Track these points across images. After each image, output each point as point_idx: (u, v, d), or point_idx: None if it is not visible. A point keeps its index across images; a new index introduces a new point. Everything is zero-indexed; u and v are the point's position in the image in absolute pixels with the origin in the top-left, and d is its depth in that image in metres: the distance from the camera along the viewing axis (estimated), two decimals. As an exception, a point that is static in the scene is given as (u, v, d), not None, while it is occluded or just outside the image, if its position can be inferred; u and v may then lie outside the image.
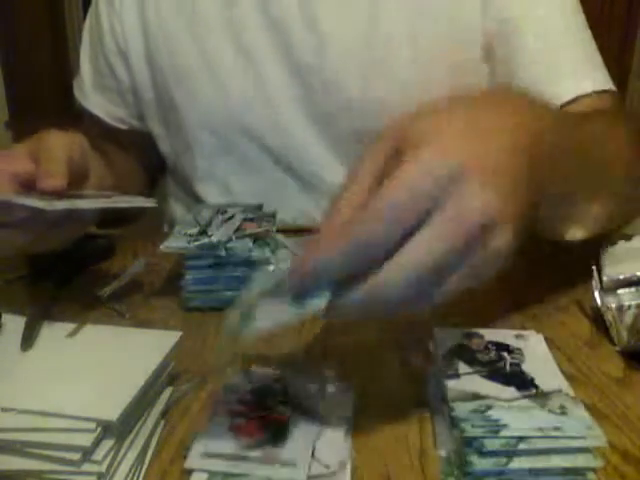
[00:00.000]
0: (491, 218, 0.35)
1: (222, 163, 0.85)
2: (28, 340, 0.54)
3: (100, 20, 0.86)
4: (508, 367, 0.45)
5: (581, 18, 0.77)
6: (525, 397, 0.41)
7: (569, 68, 0.74)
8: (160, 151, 0.90)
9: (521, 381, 0.43)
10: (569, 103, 0.72)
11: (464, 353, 0.47)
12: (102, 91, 0.89)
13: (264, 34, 0.79)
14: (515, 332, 0.50)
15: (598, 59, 0.77)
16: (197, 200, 0.88)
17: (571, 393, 0.42)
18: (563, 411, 0.40)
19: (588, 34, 0.77)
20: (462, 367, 0.45)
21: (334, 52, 0.77)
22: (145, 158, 0.94)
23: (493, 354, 0.46)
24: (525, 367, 0.45)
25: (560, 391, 0.42)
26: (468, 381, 0.43)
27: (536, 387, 0.42)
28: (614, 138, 0.57)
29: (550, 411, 0.40)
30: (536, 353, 0.47)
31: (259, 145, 0.83)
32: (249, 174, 0.85)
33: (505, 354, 0.46)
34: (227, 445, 0.41)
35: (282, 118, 0.81)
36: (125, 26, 0.84)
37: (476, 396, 0.41)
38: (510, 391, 0.42)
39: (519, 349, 0.47)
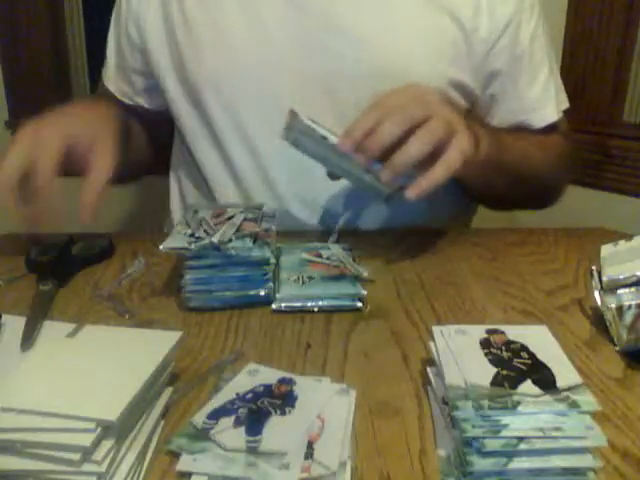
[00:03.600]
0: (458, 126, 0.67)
1: (232, 142, 0.86)
2: (28, 340, 0.54)
3: (121, 6, 0.91)
4: (528, 363, 0.44)
5: (551, 42, 0.90)
6: (548, 394, 0.41)
7: (554, 94, 0.88)
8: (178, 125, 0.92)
9: (542, 377, 0.43)
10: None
11: (484, 349, 0.46)
12: (120, 71, 0.94)
13: (278, 9, 0.81)
14: (529, 327, 0.50)
15: (560, 80, 0.92)
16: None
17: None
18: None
19: (554, 56, 0.91)
20: (482, 363, 0.44)
21: (343, 25, 0.80)
22: (153, 132, 0.99)
23: (512, 351, 0.46)
24: (544, 363, 0.44)
25: (580, 386, 0.42)
26: (486, 377, 0.43)
27: (555, 382, 0.42)
28: (513, 140, 0.83)
29: (571, 405, 0.40)
30: (549, 348, 0.47)
31: (270, 120, 0.83)
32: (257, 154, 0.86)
33: (524, 351, 0.46)
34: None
35: (293, 92, 0.81)
36: (147, 13, 0.87)
37: (498, 393, 0.41)
38: (532, 388, 0.42)
39: (533, 345, 0.47)
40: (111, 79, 0.95)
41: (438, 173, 0.65)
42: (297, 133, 0.68)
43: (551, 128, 0.89)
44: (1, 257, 0.77)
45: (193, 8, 0.84)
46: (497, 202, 0.95)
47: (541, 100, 0.88)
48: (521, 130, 0.88)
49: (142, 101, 0.95)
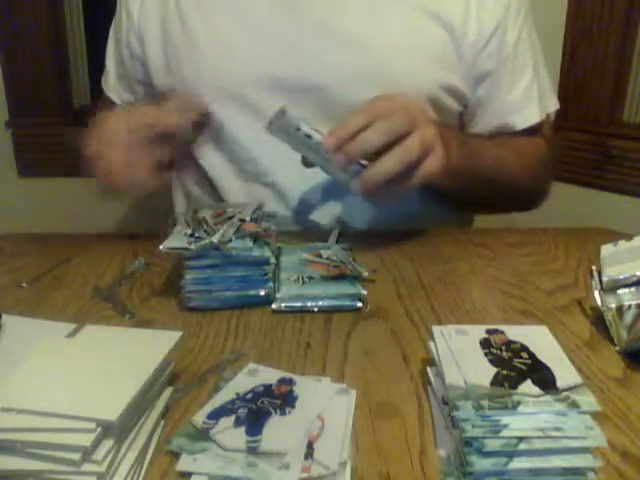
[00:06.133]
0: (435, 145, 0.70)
1: (233, 144, 0.86)
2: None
3: (121, 14, 0.91)
4: (528, 363, 0.44)
5: (539, 46, 0.91)
6: (548, 394, 0.41)
7: (537, 96, 0.89)
8: None
9: (542, 377, 0.43)
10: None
11: (484, 349, 0.46)
12: (122, 80, 0.95)
13: (273, 13, 0.82)
14: (529, 327, 0.50)
15: (550, 82, 0.94)
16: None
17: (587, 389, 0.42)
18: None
19: (543, 59, 0.92)
20: (482, 363, 0.44)
21: (336, 30, 0.81)
22: None
23: (512, 351, 0.46)
24: (544, 363, 0.44)
25: (580, 386, 0.42)
26: (486, 377, 0.43)
27: (555, 382, 0.42)
28: (487, 148, 0.86)
29: (571, 405, 0.40)
30: (549, 348, 0.47)
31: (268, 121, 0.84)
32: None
33: (524, 351, 0.46)
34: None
35: (288, 93, 0.82)
36: (147, 24, 0.88)
37: (498, 393, 0.41)
38: (532, 388, 0.42)
39: (533, 345, 0.47)
40: (113, 88, 0.96)
41: (396, 192, 0.70)
42: (281, 129, 0.70)
43: (534, 131, 0.90)
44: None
45: (191, 15, 0.85)
46: (477, 208, 0.98)
47: (522, 102, 0.89)
48: (503, 134, 0.89)
49: None
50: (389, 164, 0.67)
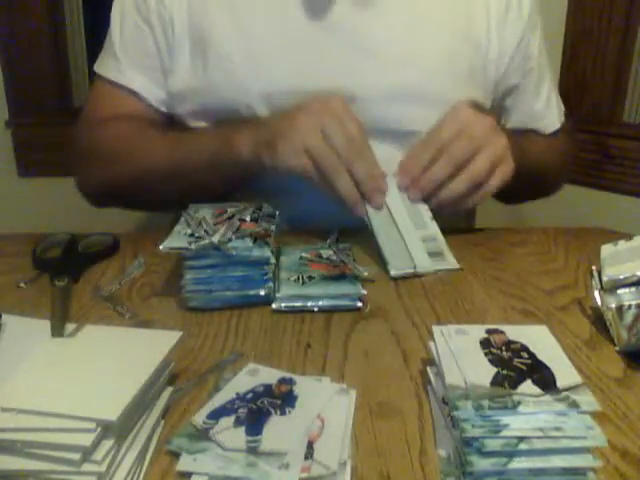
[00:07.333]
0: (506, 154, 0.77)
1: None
2: (60, 333, 0.55)
3: (149, 6, 0.86)
4: (528, 363, 0.44)
5: (545, 50, 0.95)
6: (548, 394, 0.41)
7: (555, 101, 0.97)
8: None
9: (542, 377, 0.43)
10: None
11: (484, 349, 0.46)
12: (145, 71, 0.88)
13: (308, 28, 0.82)
14: (529, 327, 0.50)
15: (554, 82, 1.02)
16: None
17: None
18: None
19: (550, 64, 0.98)
20: (482, 363, 0.44)
21: (369, 46, 0.82)
22: None
23: (512, 351, 0.46)
24: (544, 363, 0.44)
25: (580, 386, 0.42)
26: (486, 377, 0.43)
27: (555, 382, 0.42)
28: (531, 147, 0.90)
29: (571, 405, 0.40)
30: (549, 348, 0.47)
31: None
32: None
33: (524, 351, 0.46)
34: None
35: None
36: (174, 13, 0.85)
37: (498, 393, 0.41)
38: (532, 388, 0.42)
39: (533, 345, 0.47)
40: (142, 85, 0.88)
41: (474, 201, 0.77)
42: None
43: (557, 130, 0.96)
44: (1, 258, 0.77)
45: (221, 17, 0.83)
46: (511, 199, 1.03)
47: (545, 110, 0.94)
48: (532, 132, 0.95)
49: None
50: (460, 187, 0.74)
